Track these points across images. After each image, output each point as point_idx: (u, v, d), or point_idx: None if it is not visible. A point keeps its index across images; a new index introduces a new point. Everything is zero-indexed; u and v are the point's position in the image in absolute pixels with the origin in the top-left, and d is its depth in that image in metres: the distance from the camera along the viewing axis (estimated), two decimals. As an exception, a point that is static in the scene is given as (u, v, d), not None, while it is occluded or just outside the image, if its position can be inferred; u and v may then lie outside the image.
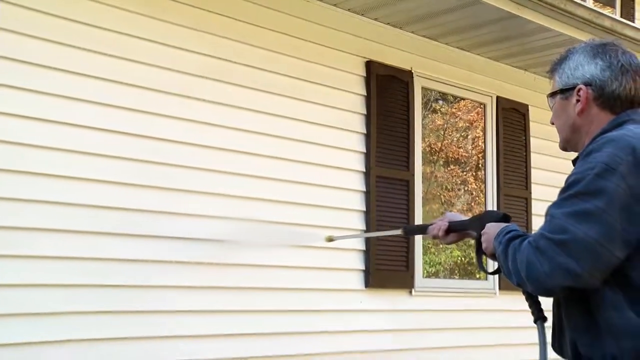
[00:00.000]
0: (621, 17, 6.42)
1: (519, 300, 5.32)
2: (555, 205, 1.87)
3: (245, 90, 3.96)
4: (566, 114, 2.12)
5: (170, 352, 3.66)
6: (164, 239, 3.67)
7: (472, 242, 2.39)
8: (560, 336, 2.03)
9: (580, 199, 1.82)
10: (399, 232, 2.83)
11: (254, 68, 4.00)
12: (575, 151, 2.14)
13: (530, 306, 2.02)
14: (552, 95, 2.15)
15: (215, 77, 3.85)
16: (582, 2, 4.86)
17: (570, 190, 1.85)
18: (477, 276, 5.43)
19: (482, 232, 2.21)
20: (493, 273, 2.31)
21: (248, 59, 3.98)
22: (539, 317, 1.96)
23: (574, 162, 2.10)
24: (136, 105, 3.54)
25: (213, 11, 3.87)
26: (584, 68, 2.08)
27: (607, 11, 5.25)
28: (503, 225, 2.13)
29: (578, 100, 2.06)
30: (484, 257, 2.30)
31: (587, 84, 2.05)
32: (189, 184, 3.69)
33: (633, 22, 6.60)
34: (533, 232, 1.95)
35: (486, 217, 2.29)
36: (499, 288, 5.24)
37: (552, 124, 2.19)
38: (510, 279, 1.96)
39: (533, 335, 5.33)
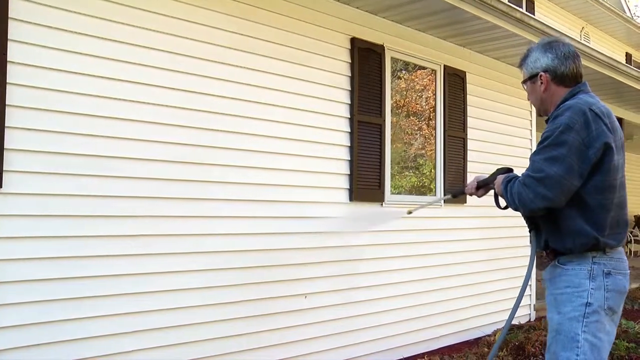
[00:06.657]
0: (526, 11, 6.37)
1: (457, 211, 5.34)
2: (535, 153, 2.11)
3: (264, 58, 3.91)
4: (535, 92, 2.31)
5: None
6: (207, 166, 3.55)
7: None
8: (537, 235, 2.35)
9: (551, 148, 2.05)
10: (449, 196, 3.19)
11: (270, 42, 3.95)
12: (547, 115, 2.37)
13: (526, 221, 2.27)
14: (524, 82, 2.36)
15: (242, 48, 3.77)
16: (501, -1, 4.85)
17: (545, 143, 2.09)
18: (427, 194, 5.38)
19: (494, 181, 2.43)
20: (504, 208, 2.45)
21: (266, 35, 3.91)
22: (532, 228, 2.23)
23: (547, 121, 2.34)
24: (187, 69, 3.47)
25: (239, 1, 3.71)
26: (541, 61, 2.27)
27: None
28: (507, 174, 2.35)
29: (541, 83, 2.27)
30: (500, 197, 2.46)
31: (545, 70, 2.27)
32: (224, 125, 3.63)
33: (534, 15, 6.62)
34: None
35: (499, 172, 2.45)
36: (443, 202, 5.20)
37: (529, 100, 2.40)
38: (512, 207, 2.20)
39: (465, 234, 5.32)
